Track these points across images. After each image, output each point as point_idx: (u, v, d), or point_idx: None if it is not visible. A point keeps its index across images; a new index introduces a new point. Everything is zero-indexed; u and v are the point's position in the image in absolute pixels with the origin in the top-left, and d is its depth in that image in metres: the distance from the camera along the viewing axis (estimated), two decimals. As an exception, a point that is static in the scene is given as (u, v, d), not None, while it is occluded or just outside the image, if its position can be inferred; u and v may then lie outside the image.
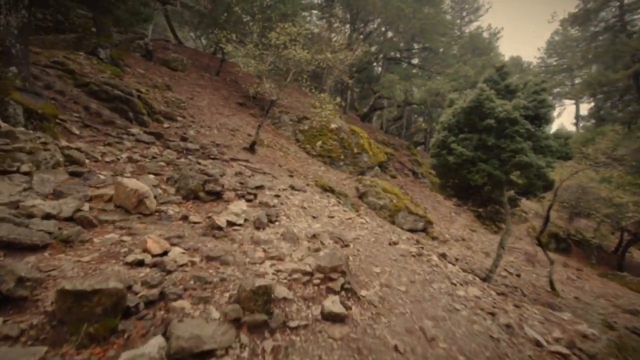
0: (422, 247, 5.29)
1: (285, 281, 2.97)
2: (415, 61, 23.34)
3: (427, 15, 17.60)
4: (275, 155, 12.70)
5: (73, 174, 4.79)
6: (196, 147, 9.55)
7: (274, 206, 5.58)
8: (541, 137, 5.77)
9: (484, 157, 5.79)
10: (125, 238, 3.20)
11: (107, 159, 5.97)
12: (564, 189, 9.16)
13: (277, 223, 4.57)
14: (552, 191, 7.31)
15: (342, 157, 15.36)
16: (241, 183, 6.78)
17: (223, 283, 2.68)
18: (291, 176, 10.34)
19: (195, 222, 3.96)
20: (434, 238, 12.23)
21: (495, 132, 5.74)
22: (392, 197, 12.36)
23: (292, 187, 8.29)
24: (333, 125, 16.20)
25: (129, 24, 8.21)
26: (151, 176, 5.67)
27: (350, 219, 5.93)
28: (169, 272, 2.65)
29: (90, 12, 7.82)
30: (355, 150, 15.75)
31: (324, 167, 14.38)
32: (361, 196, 12.03)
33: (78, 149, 5.69)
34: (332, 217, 6.04)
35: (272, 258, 3.36)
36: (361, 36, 18.04)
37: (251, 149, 11.58)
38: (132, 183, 4.00)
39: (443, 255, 8.32)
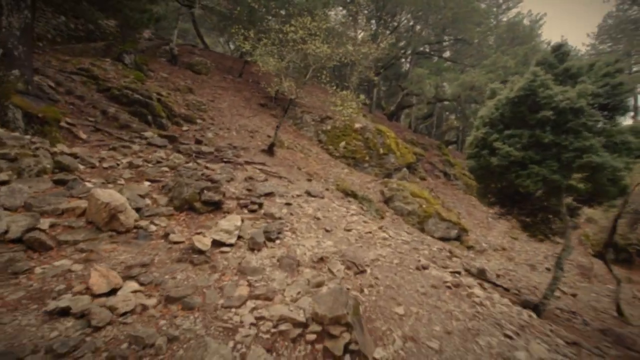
0: (459, 274, 4.17)
1: (267, 336, 2.09)
2: (446, 54, 21.52)
3: (459, 3, 15.98)
4: (295, 157, 11.93)
5: (58, 182, 4.25)
6: (210, 150, 8.99)
7: (279, 218, 4.73)
8: (615, 132, 4.41)
9: (538, 158, 4.54)
10: (75, 267, 2.50)
11: (106, 164, 5.44)
12: (637, 194, 7.50)
13: (278, 241, 3.72)
14: (622, 197, 5.85)
15: (367, 158, 14.29)
16: (249, 190, 6.03)
17: (170, 347, 1.85)
18: (309, 180, 9.49)
19: (175, 242, 3.21)
20: (469, 247, 10.84)
21: (553, 126, 4.48)
22: (422, 201, 11.12)
23: (308, 193, 7.44)
24: (357, 125, 15.17)
25: (140, 24, 7.80)
26: (147, 183, 5.06)
27: (370, 232, 4.94)
28: (97, 328, 1.88)
29: (101, 12, 7.47)
30: (382, 151, 14.61)
31: (348, 169, 13.40)
32: (387, 201, 10.91)
33: (73, 155, 5.21)
34: (349, 230, 5.08)
35: (257, 297, 2.50)
36: (387, 31, 16.80)
37: (269, 150, 10.89)
38: (105, 195, 3.33)
39: (482, 272, 7.05)
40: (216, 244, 3.32)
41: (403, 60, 24.01)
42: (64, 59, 11.77)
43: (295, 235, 4.16)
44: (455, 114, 22.85)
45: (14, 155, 4.36)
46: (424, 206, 11.00)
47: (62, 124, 6.68)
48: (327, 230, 4.85)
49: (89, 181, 4.69)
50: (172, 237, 3.27)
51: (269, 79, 15.26)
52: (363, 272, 3.40)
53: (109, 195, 3.37)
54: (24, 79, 5.74)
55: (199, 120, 12.10)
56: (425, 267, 3.88)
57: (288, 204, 5.83)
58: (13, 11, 5.64)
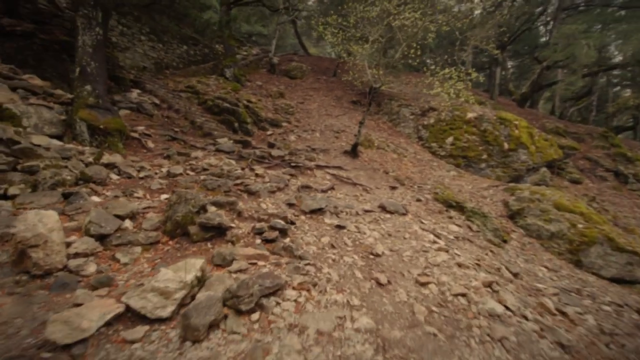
0: None
1: None
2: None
3: None
4: (385, 159, 9.74)
5: (67, 196, 3.69)
6: (281, 153, 7.93)
7: (300, 257, 2.93)
8: None
9: None
10: None
11: (143, 174, 4.87)
12: None
13: (254, 315, 1.96)
14: None
15: (485, 156, 10.71)
16: (290, 205, 4.44)
17: None
18: (394, 188, 7.22)
19: (77, 305, 1.91)
20: (679, 301, 6.26)
21: None
22: (575, 217, 7.18)
23: (383, 208, 5.31)
24: (470, 115, 11.68)
25: (204, 25, 7.38)
26: (163, 197, 4.13)
27: (464, 294, 2.55)
28: None
29: (174, 19, 7.31)
30: (506, 146, 10.72)
31: (455, 171, 10.27)
32: (513, 216, 7.47)
33: (111, 165, 4.79)
34: (425, 283, 2.81)
35: None
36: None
37: (352, 152, 9.11)
38: (31, 219, 2.32)
39: None
40: (134, 318, 1.84)
41: (542, 27, 18.06)
42: (179, 80, 13.03)
43: (307, 299, 2.27)
44: (633, 86, 15.23)
45: (43, 167, 4.00)
46: (579, 226, 7.07)
47: (134, 134, 6.69)
48: (380, 284, 2.76)
49: (102, 194, 3.98)
50: (78, 295, 1.97)
51: (358, 71, 13.45)
52: None
53: (37, 219, 2.33)
54: (95, 94, 5.78)
55: (284, 124, 11.45)
56: None
57: (339, 227, 3.96)
58: (86, 30, 5.71)
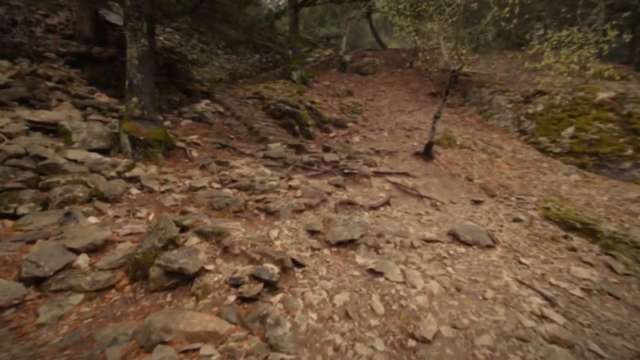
0: None
1: None
2: None
3: None
4: (470, 161, 7.58)
5: (67, 215, 3.36)
6: (336, 158, 6.84)
7: (272, 344, 1.72)
8: None
9: None
10: None
11: (165, 187, 4.40)
12: None
13: None
14: None
15: (630, 151, 7.42)
16: (312, 232, 3.25)
17: None
18: (479, 201, 5.24)
19: None
20: None
21: None
22: None
23: (455, 237, 3.63)
24: (603, 95, 8.37)
25: (247, 26, 6.79)
26: (167, 215, 3.47)
27: None
28: None
29: (223, 23, 6.92)
30: (670, 136, 7.17)
31: (578, 174, 7.36)
32: (696, 249, 4.57)
33: (135, 178, 4.46)
34: None
35: None
36: None
37: (426, 153, 7.35)
38: None
39: None
40: None
41: None
42: (248, 87, 13.19)
43: None
44: None
45: (63, 183, 3.80)
46: None
47: (180, 144, 6.51)
48: None
49: (105, 213, 3.54)
50: None
51: (430, 52, 11.14)
52: None
53: None
54: (141, 105, 5.73)
55: (350, 124, 10.29)
56: None
57: (374, 273, 2.65)
58: (132, 42, 5.68)
